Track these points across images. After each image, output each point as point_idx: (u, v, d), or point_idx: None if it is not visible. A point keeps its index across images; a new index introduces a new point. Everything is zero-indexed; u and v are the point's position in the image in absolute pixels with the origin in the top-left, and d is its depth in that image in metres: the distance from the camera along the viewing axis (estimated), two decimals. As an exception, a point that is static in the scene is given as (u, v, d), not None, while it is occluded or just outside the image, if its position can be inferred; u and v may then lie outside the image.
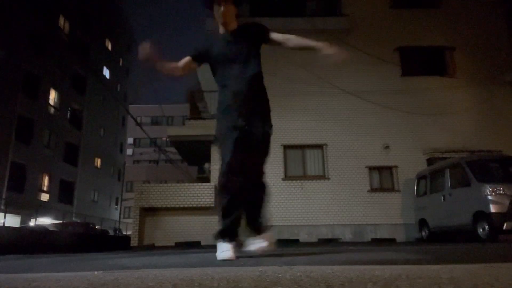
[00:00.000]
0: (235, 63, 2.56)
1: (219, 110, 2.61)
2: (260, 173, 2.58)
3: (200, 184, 11.79)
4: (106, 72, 34.96)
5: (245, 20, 2.74)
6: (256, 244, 2.53)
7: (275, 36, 2.65)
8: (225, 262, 2.16)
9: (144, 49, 2.45)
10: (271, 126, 2.59)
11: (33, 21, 23.51)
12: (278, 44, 2.66)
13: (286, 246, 5.92)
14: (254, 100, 2.53)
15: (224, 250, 2.42)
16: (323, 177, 11.28)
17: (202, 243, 10.18)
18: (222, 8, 2.54)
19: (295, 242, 10.17)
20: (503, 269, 1.24)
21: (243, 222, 2.58)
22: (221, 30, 2.66)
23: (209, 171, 11.92)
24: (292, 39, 2.64)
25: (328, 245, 7.54)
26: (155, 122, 44.85)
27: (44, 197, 24.52)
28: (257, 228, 2.58)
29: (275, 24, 12.42)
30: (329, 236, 10.64)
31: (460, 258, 2.23)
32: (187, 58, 2.67)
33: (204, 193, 10.65)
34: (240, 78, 2.52)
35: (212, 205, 10.52)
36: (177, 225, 10.63)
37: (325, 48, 2.62)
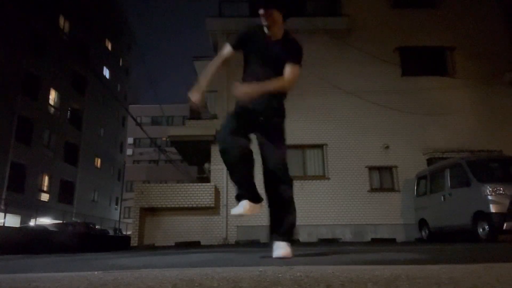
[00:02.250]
0: (266, 67, 2.56)
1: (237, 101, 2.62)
2: (280, 171, 2.53)
3: (200, 184, 11.79)
4: (106, 72, 34.95)
5: (294, 35, 2.67)
6: (276, 250, 2.45)
7: (289, 67, 2.57)
8: (226, 262, 2.16)
9: (194, 99, 2.46)
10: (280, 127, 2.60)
11: (33, 21, 23.51)
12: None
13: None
14: (268, 104, 2.55)
15: (238, 206, 2.51)
16: (323, 177, 11.27)
17: (202, 243, 10.19)
18: (263, 11, 2.51)
19: (295, 242, 10.17)
20: (503, 269, 1.24)
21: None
22: (266, 30, 2.62)
23: (209, 171, 11.91)
24: (280, 81, 2.58)
25: (328, 245, 7.54)
26: (155, 122, 44.84)
27: (44, 197, 24.51)
28: (278, 233, 2.53)
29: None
30: (329, 236, 10.64)
31: (460, 258, 2.23)
32: (228, 49, 2.61)
33: (204, 193, 10.64)
34: (263, 80, 2.52)
35: (212, 205, 10.53)
36: (177, 225, 10.62)
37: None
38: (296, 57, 2.59)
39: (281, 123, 2.62)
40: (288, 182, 2.58)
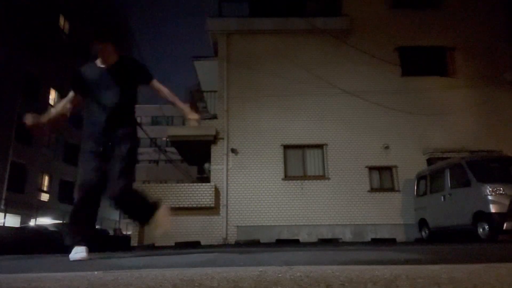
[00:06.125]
0: (102, 92, 2.76)
1: (84, 133, 2.85)
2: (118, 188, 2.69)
3: (200, 184, 11.79)
4: (106, 72, 34.92)
5: (129, 56, 2.96)
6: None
7: (154, 83, 2.93)
8: (225, 262, 2.16)
9: (30, 120, 2.74)
10: (130, 148, 2.77)
11: (33, 21, 23.50)
12: (155, 90, 2.95)
13: (286, 246, 5.92)
14: (113, 128, 2.71)
15: (78, 252, 2.75)
16: (323, 177, 11.27)
17: (202, 243, 10.18)
18: (99, 47, 2.80)
19: (295, 242, 10.17)
20: (503, 269, 1.24)
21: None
22: (99, 62, 2.87)
23: (209, 171, 11.91)
24: (164, 92, 2.92)
25: (328, 245, 7.54)
26: (155, 122, 44.83)
27: (44, 197, 24.52)
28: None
29: (275, 24, 12.43)
30: (329, 236, 10.64)
31: (460, 258, 2.23)
32: (71, 95, 2.94)
33: (204, 193, 10.64)
34: (103, 106, 2.72)
35: (212, 205, 10.53)
36: (177, 225, 10.61)
37: (188, 113, 2.93)
38: (148, 74, 2.91)
39: (128, 148, 2.76)
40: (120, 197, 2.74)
